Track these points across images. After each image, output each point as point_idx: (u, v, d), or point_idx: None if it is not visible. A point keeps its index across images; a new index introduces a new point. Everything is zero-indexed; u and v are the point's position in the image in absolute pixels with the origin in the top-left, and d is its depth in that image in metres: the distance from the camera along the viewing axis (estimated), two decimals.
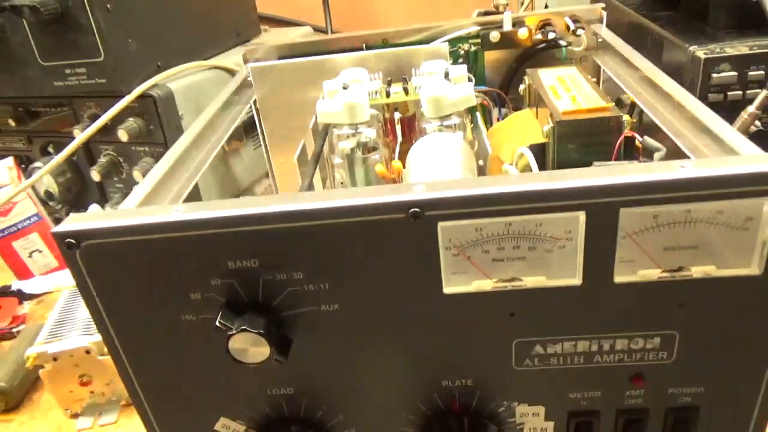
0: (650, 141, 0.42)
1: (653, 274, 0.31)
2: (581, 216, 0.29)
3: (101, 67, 0.63)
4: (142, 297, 0.32)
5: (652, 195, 0.28)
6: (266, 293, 0.31)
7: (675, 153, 0.44)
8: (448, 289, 0.32)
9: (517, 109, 0.65)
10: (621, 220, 0.29)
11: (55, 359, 0.49)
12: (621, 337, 0.32)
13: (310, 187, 0.48)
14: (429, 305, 0.32)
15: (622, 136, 0.45)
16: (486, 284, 0.32)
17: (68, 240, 0.30)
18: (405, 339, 0.33)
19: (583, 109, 0.47)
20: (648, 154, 0.46)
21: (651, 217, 0.29)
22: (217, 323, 0.30)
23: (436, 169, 0.38)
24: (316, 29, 1.05)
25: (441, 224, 0.29)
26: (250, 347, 0.31)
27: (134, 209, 0.34)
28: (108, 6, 0.61)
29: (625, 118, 0.46)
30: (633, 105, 0.61)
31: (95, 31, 0.60)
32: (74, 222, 0.30)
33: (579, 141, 0.47)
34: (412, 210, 0.29)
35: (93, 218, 0.31)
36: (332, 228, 0.30)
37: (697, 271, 0.31)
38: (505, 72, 0.66)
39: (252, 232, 0.30)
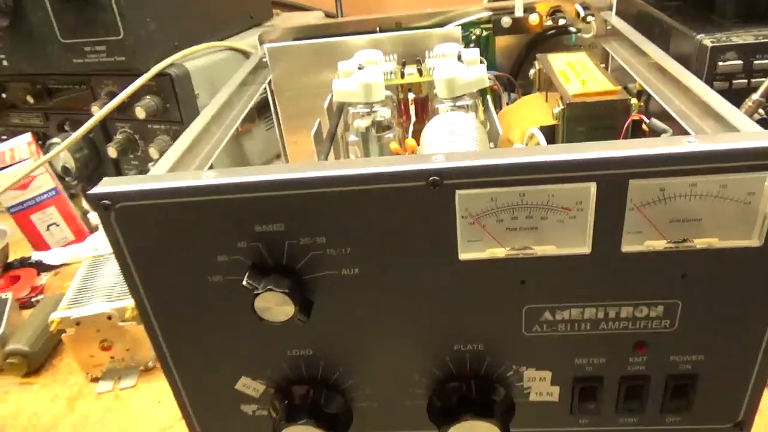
0: (657, 122, 0.43)
1: (659, 244, 0.32)
2: (592, 187, 0.30)
3: (121, 45, 0.64)
4: (171, 258, 0.34)
5: (660, 167, 0.29)
6: (290, 256, 0.33)
7: (681, 134, 0.46)
8: (463, 256, 0.33)
9: (526, 94, 0.66)
10: (630, 191, 0.30)
11: (77, 324, 0.51)
12: (626, 305, 0.34)
13: (327, 158, 0.49)
14: (445, 271, 0.33)
15: (630, 119, 0.47)
16: (499, 252, 0.33)
17: (104, 201, 0.32)
18: (421, 304, 0.35)
19: (593, 92, 0.48)
20: (654, 135, 0.47)
21: (658, 189, 0.31)
22: (245, 283, 0.32)
23: (451, 145, 0.40)
24: (327, 14, 1.06)
25: (459, 192, 0.31)
26: (275, 306, 0.32)
27: (167, 174, 0.36)
28: None
29: (633, 101, 0.48)
30: (640, 92, 0.62)
31: (115, 10, 0.62)
32: (110, 185, 0.32)
33: (588, 123, 0.48)
34: (431, 178, 0.30)
35: (128, 181, 0.32)
36: (355, 194, 0.31)
37: (700, 243, 0.32)
38: (515, 57, 0.68)
39: (279, 197, 0.31)
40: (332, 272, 0.34)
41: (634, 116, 0.47)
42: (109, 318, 0.51)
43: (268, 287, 0.31)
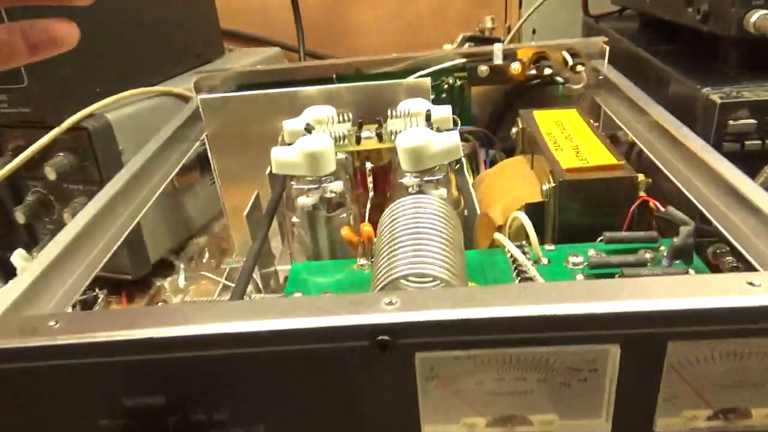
0: (675, 212, 0.35)
1: (700, 415, 0.23)
2: (613, 349, 0.21)
3: (25, 94, 0.53)
4: None
5: (715, 326, 0.20)
6: None
7: (702, 224, 0.37)
8: (427, 430, 0.23)
9: (506, 150, 0.58)
10: (668, 355, 0.21)
11: None
12: None
13: (261, 250, 0.39)
14: None
15: (637, 202, 0.38)
16: (479, 423, 0.24)
17: None
18: None
19: (591, 167, 0.39)
20: (666, 222, 0.38)
21: (707, 348, 0.21)
22: None
23: (415, 248, 0.30)
24: (287, 48, 0.97)
25: (420, 355, 0.21)
26: None
27: None
28: None
29: (640, 178, 0.39)
30: (631, 145, 0.54)
31: None
32: None
33: (584, 203, 0.39)
34: (379, 338, 0.21)
35: None
36: (268, 357, 0.21)
37: (758, 416, 0.23)
38: (493, 109, 0.59)
39: (158, 360, 0.21)
40: None
41: (644, 198, 0.38)
42: None
43: None
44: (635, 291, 0.20)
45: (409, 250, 0.30)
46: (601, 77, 0.54)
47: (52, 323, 0.22)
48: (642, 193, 0.39)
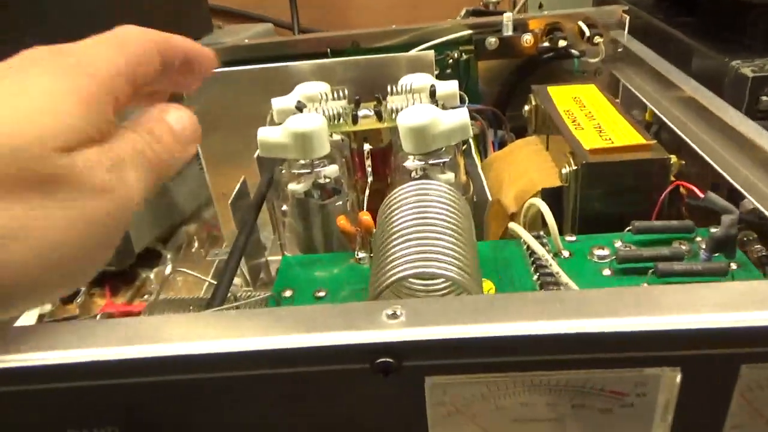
0: (716, 198, 0.30)
1: None
2: (669, 372, 0.17)
3: None
4: None
5: None
6: None
7: (749, 214, 0.33)
8: None
9: (516, 130, 0.53)
10: (740, 380, 0.17)
11: None
12: None
13: (246, 244, 0.35)
14: None
15: (670, 187, 0.34)
16: None
17: None
18: None
19: (617, 147, 0.35)
20: (698, 210, 0.34)
21: None
22: None
23: (421, 243, 0.26)
24: (280, 25, 0.92)
25: (430, 380, 0.17)
26: None
27: None
28: None
29: (673, 159, 0.35)
30: (648, 124, 0.50)
31: None
32: None
33: (610, 188, 0.35)
34: (380, 360, 0.17)
35: None
36: (243, 382, 0.17)
37: None
38: (502, 86, 0.55)
39: (110, 386, 0.17)
40: None
41: (677, 182, 0.34)
42: None
43: None
44: (700, 301, 0.16)
45: (414, 245, 0.25)
46: (620, 49, 0.50)
47: None
48: (673, 178, 0.35)
